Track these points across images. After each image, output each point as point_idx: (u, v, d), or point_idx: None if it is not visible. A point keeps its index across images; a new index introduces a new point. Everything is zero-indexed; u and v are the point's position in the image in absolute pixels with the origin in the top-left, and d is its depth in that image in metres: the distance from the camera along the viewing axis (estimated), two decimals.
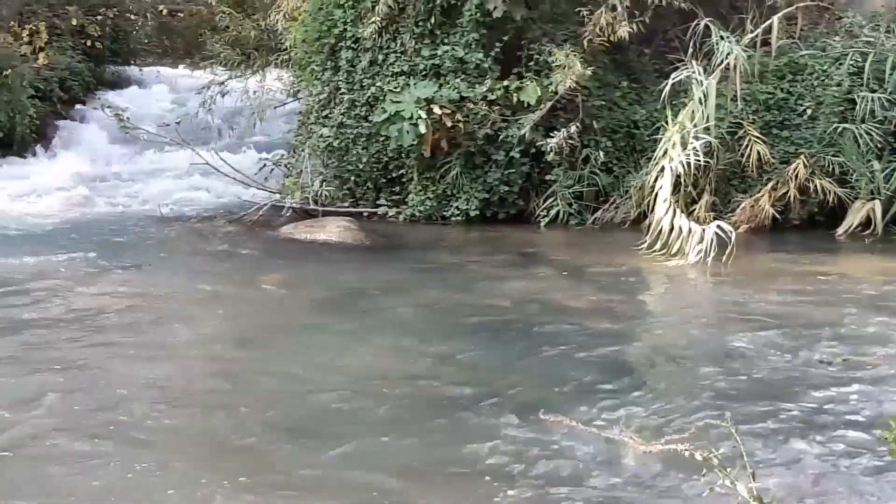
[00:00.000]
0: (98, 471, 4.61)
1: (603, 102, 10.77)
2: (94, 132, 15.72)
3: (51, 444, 4.92)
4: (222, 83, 13.99)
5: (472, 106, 10.49)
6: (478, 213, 10.68)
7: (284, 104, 13.79)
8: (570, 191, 10.60)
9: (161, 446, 4.95)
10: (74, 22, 16.85)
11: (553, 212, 10.58)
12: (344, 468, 4.69)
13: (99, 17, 17.45)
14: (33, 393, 5.54)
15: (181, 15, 20.66)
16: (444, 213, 10.80)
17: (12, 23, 15.66)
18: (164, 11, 20.04)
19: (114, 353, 6.31)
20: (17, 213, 11.24)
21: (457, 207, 10.74)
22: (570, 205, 10.58)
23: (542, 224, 10.56)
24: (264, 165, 12.32)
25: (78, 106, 16.80)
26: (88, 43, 17.39)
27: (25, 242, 9.76)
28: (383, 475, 4.57)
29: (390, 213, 10.99)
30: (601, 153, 10.59)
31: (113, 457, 4.75)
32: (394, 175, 11.15)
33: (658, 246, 9.10)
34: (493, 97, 10.52)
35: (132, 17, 19.85)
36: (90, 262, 8.90)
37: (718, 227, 8.83)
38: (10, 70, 14.30)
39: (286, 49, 12.54)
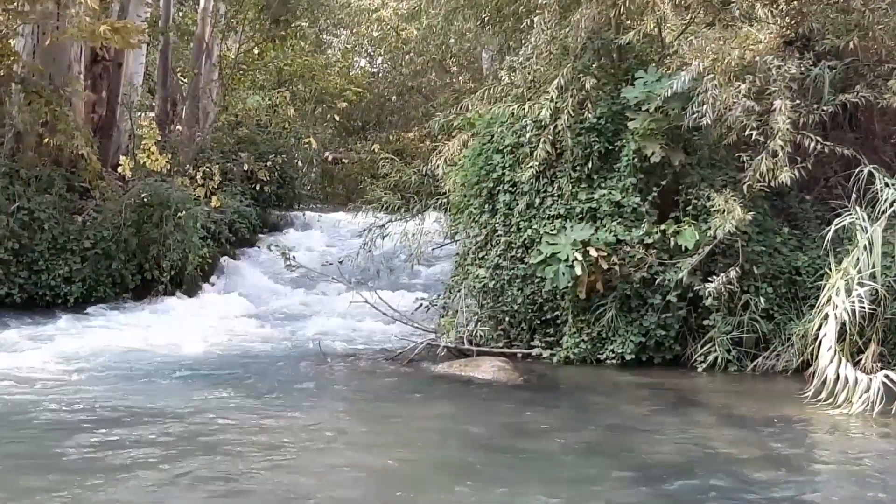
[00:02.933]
0: None
1: (763, 248, 10.63)
2: (258, 272, 16.48)
3: None
4: (382, 226, 14.46)
5: (628, 249, 10.51)
6: (633, 356, 10.56)
7: (441, 246, 14.13)
8: (729, 336, 10.39)
9: None
10: (246, 167, 17.83)
11: (711, 357, 10.37)
12: None
13: (268, 164, 18.41)
14: None
15: (344, 162, 21.60)
16: (599, 356, 10.72)
17: (188, 167, 16.65)
18: (329, 158, 20.99)
19: (272, 486, 6.40)
20: (184, 348, 11.70)
21: (612, 350, 10.65)
22: (728, 351, 10.36)
23: (700, 369, 10.37)
24: (421, 305, 12.59)
25: (244, 247, 17.68)
26: (257, 187, 18.34)
27: (191, 376, 10.12)
28: None
29: (544, 355, 10.97)
30: (761, 299, 10.39)
31: None
32: (548, 316, 11.18)
33: (822, 395, 8.80)
34: (650, 240, 10.52)
35: (299, 163, 20.85)
36: (250, 396, 9.14)
37: (886, 376, 8.49)
38: (184, 212, 15.16)
39: (445, 193, 12.93)
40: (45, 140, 14.67)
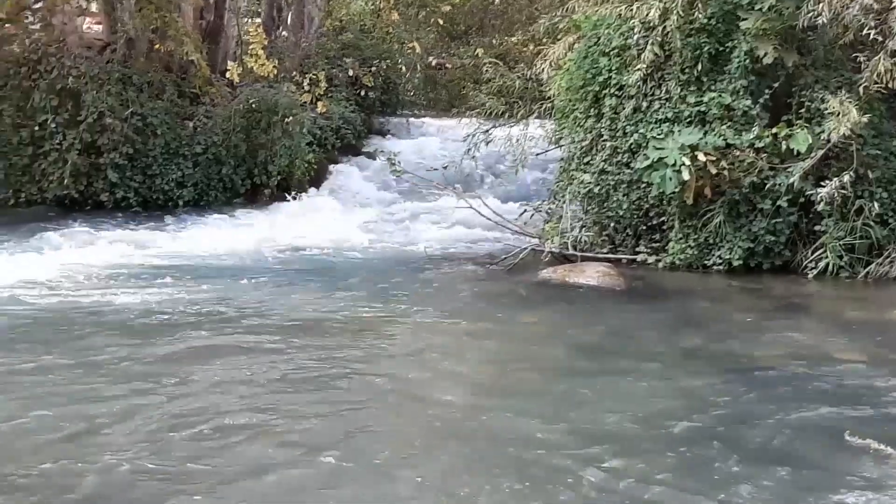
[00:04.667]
0: None
1: (879, 152, 10.29)
2: (363, 178, 16.66)
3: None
4: (486, 132, 14.41)
5: (738, 153, 10.28)
6: (741, 262, 10.41)
7: (546, 151, 14.04)
8: (841, 242, 10.16)
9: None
10: (351, 73, 17.88)
11: (822, 264, 10.17)
12: None
13: (372, 69, 18.43)
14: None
15: (447, 67, 21.47)
16: (706, 262, 10.61)
17: (294, 72, 16.78)
18: (433, 63, 20.88)
19: (370, 395, 6.51)
20: (290, 251, 11.97)
21: (719, 256, 10.52)
22: (840, 257, 10.14)
23: (810, 276, 10.19)
24: (525, 211, 12.59)
25: (349, 153, 17.86)
26: (362, 93, 18.42)
27: (296, 278, 10.39)
28: None
29: (649, 261, 10.91)
30: (876, 204, 10.10)
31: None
32: (654, 222, 11.08)
33: None
34: (761, 145, 10.27)
35: (402, 69, 20.82)
36: (353, 300, 9.33)
37: None
38: (291, 117, 15.34)
39: (549, 97, 12.79)
40: (156, 46, 14.97)
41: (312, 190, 16.10)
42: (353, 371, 6.92)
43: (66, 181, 14.36)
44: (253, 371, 6.82)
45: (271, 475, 5.03)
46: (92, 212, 14.38)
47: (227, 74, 15.56)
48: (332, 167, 17.06)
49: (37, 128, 14.47)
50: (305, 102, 15.97)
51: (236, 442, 5.45)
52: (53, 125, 14.38)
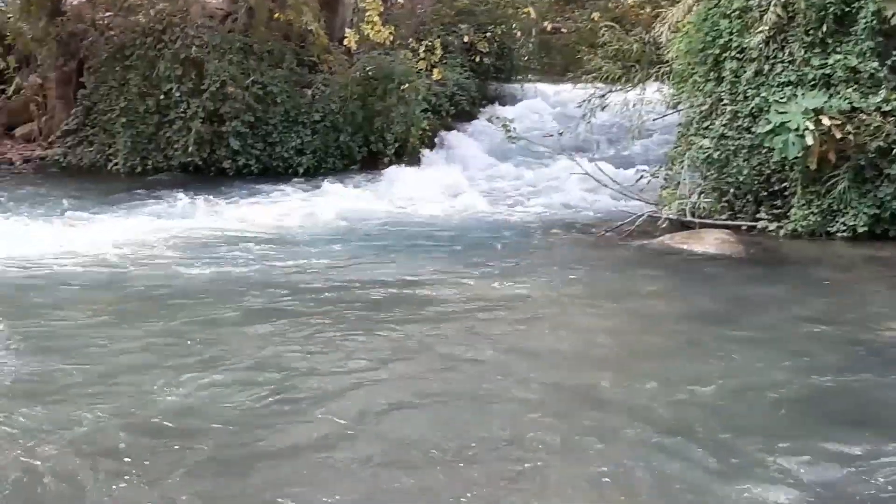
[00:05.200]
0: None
1: None
2: (479, 144, 16.68)
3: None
4: (602, 97, 14.28)
5: (864, 117, 9.97)
6: (866, 229, 10.12)
7: (663, 116, 13.84)
8: None
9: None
10: (465, 39, 17.87)
11: None
12: None
13: (487, 35, 18.38)
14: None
15: (563, 31, 21.26)
16: (829, 229, 10.34)
17: (410, 39, 16.87)
18: (548, 28, 20.70)
19: (482, 364, 6.52)
20: (405, 218, 12.11)
21: (843, 223, 10.24)
22: None
23: None
24: (641, 177, 12.47)
25: (463, 120, 17.89)
26: (476, 59, 18.39)
27: (410, 244, 10.50)
28: None
29: (770, 227, 10.68)
30: None
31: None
32: (776, 188, 10.85)
33: None
34: (888, 108, 9.93)
35: (517, 34, 20.70)
36: (467, 266, 9.38)
37: None
38: (407, 85, 15.46)
39: (667, 61, 12.59)
40: (276, 15, 15.25)
41: (427, 156, 16.20)
42: (466, 339, 6.98)
43: (190, 149, 14.80)
44: (371, 338, 6.95)
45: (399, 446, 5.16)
46: (214, 179, 14.77)
47: (345, 42, 15.73)
48: (446, 134, 17.13)
49: (162, 97, 14.93)
50: (421, 69, 16.04)
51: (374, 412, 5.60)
52: (178, 94, 14.82)
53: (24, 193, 13.33)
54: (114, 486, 4.55)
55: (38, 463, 4.75)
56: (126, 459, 4.83)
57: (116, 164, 15.21)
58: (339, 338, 6.91)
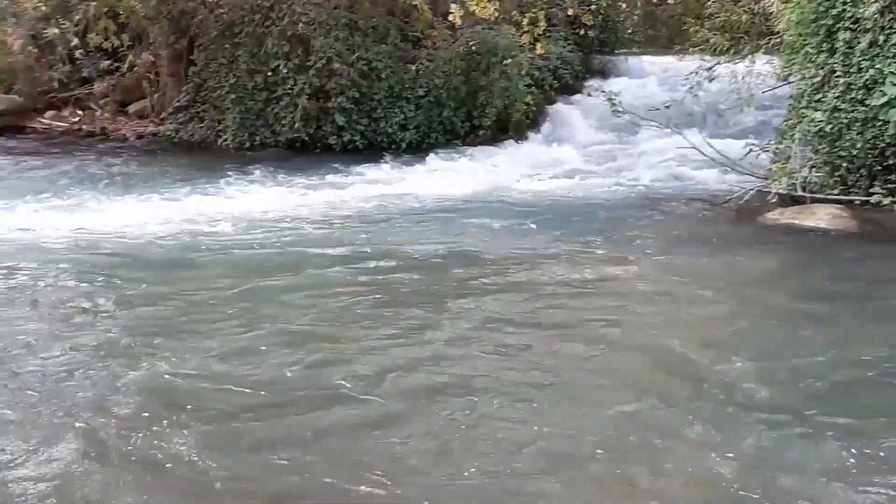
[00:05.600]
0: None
1: None
2: (583, 118, 16.54)
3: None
4: (709, 69, 14.02)
5: None
6: None
7: (773, 89, 13.53)
8: None
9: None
10: (570, 12, 17.73)
11: None
12: None
13: (591, 7, 18.20)
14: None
15: (668, 2, 20.94)
16: None
17: (514, 13, 16.80)
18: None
19: (588, 338, 6.56)
20: (509, 192, 12.10)
21: None
22: None
23: None
24: (750, 150, 12.22)
25: (567, 94, 17.76)
26: (580, 32, 18.23)
27: (516, 220, 10.49)
28: None
29: (885, 202, 10.37)
30: None
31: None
32: (891, 162, 10.51)
33: None
34: None
35: (622, 5, 20.45)
36: (573, 241, 9.35)
37: None
38: (510, 59, 15.43)
39: (777, 32, 12.29)
40: None
41: (531, 131, 16.16)
42: (570, 314, 6.99)
43: (296, 125, 15.05)
44: (483, 309, 7.02)
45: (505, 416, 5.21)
46: (321, 154, 14.98)
47: (449, 17, 15.75)
48: (550, 108, 17.02)
49: (270, 73, 15.19)
50: (524, 44, 15.97)
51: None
52: (285, 70, 15.07)
53: (137, 168, 13.79)
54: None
55: None
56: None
57: (226, 139, 15.55)
58: (437, 312, 6.99)
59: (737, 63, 13.68)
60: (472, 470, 4.55)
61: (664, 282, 8.02)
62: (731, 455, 4.63)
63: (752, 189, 11.04)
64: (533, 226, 10.15)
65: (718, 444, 4.74)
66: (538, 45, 16.23)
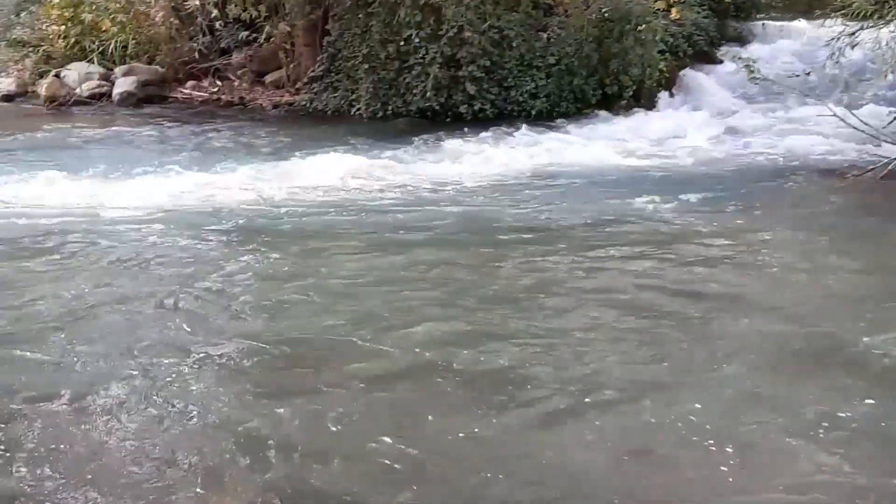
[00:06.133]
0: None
1: None
2: (718, 86, 16.21)
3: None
4: (852, 34, 13.53)
5: None
6: None
7: None
8: None
9: None
10: None
11: None
12: None
13: None
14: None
15: None
16: None
17: None
18: None
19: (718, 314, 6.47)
20: (643, 161, 11.98)
21: None
22: None
23: None
24: (895, 119, 11.81)
25: (702, 61, 17.40)
26: None
27: (648, 187, 10.37)
28: None
29: None
30: None
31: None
32: None
33: None
34: None
35: None
36: (711, 211, 9.23)
37: None
38: (644, 25, 15.19)
39: None
40: None
41: (664, 99, 15.89)
42: (701, 286, 6.94)
43: (428, 94, 15.14)
44: (607, 282, 7.02)
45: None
46: (451, 123, 15.06)
47: None
48: (684, 75, 16.71)
49: (402, 43, 15.30)
50: (658, 9, 15.69)
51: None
52: (417, 40, 15.15)
53: (273, 136, 14.16)
54: None
55: None
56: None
57: (358, 109, 15.76)
58: (571, 278, 7.01)
59: (881, 28, 13.19)
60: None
61: (798, 251, 7.93)
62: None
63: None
64: (663, 194, 9.99)
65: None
66: (673, 11, 15.94)
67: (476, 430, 4.75)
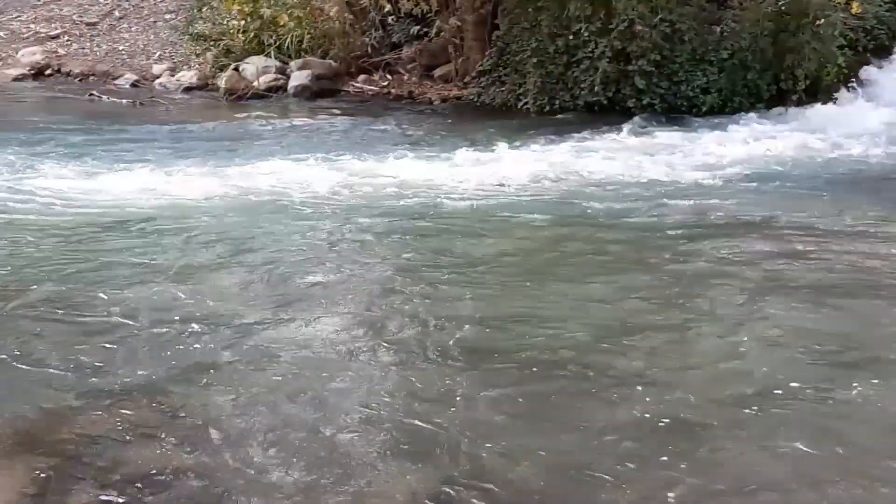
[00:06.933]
0: None
1: None
2: None
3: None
4: None
5: None
6: None
7: None
8: None
9: None
10: None
11: None
12: None
13: None
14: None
15: None
16: None
17: None
18: None
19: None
20: (819, 159, 11.64)
21: None
22: None
23: None
24: None
25: (882, 55, 16.73)
26: None
27: (832, 186, 10.11)
28: None
29: None
30: None
31: None
32: None
33: None
34: None
35: None
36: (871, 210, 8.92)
37: None
38: (822, 20, 14.73)
39: None
40: None
41: (843, 95, 15.36)
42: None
43: (596, 88, 15.09)
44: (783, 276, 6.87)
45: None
46: (618, 118, 14.95)
47: None
48: (863, 71, 16.11)
49: (571, 37, 15.29)
50: (838, 3, 15.18)
51: None
52: (586, 34, 15.12)
53: (441, 129, 14.41)
54: None
55: None
56: None
57: (526, 103, 15.82)
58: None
59: None
60: None
61: None
62: None
63: None
64: (845, 195, 9.76)
65: None
66: (853, 5, 15.37)
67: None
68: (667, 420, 4.83)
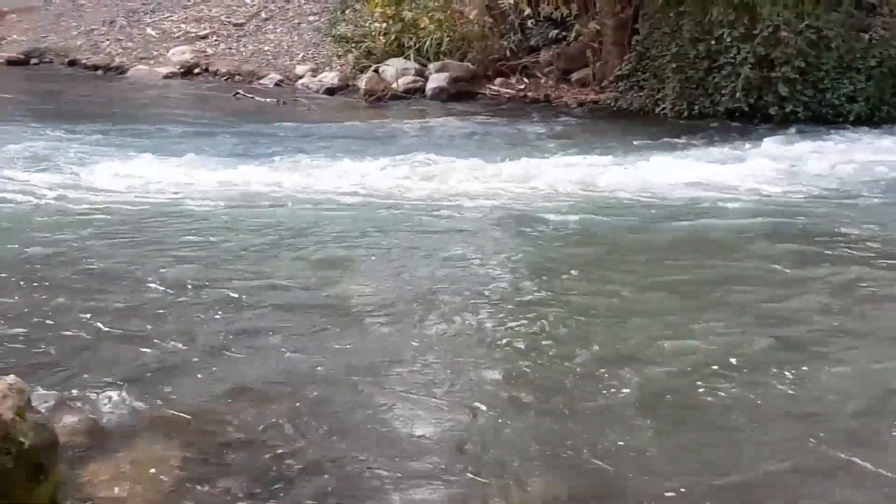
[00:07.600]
0: None
1: None
2: None
3: None
4: None
5: None
6: None
7: None
8: None
9: None
10: None
11: None
12: None
13: None
14: None
15: None
16: None
17: None
18: None
19: None
20: None
21: None
22: None
23: None
24: None
25: None
26: None
27: None
28: None
29: None
30: None
31: None
32: None
33: None
34: None
35: None
36: None
37: None
38: None
39: None
40: None
41: None
42: None
43: (737, 94, 14.88)
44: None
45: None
46: (758, 125, 14.69)
47: None
48: None
49: (713, 42, 15.10)
50: None
51: None
52: (728, 39, 14.91)
53: (577, 133, 14.42)
54: None
55: None
56: None
57: (664, 108, 15.69)
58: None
59: None
60: None
61: None
62: None
63: None
64: None
65: None
66: None
67: None
68: None
